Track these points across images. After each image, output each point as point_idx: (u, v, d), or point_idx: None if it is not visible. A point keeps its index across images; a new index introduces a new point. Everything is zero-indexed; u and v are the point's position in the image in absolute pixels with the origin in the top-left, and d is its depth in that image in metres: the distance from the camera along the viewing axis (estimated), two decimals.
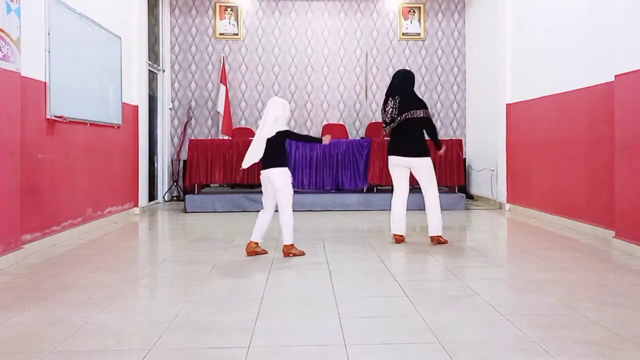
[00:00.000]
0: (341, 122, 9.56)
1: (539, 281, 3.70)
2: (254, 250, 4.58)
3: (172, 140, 9.47)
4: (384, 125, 5.17)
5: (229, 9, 9.49)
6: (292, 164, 7.73)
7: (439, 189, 4.99)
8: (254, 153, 4.52)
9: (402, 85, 5.08)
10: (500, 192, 8.02)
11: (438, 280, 3.86)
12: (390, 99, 5.02)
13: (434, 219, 5.04)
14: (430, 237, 5.07)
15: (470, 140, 9.52)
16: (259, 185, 8.16)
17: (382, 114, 5.18)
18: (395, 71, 5.36)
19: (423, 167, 5.00)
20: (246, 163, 4.57)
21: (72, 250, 4.90)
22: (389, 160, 5.13)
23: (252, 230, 4.59)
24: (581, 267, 4.14)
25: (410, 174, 5.10)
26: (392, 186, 5.22)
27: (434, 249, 4.84)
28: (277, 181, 4.46)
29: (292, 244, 4.55)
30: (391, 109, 4.99)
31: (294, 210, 4.58)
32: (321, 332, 2.73)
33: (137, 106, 7.59)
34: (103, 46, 6.41)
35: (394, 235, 5.13)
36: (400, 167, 5.07)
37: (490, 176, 8.39)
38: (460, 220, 6.90)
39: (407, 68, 9.35)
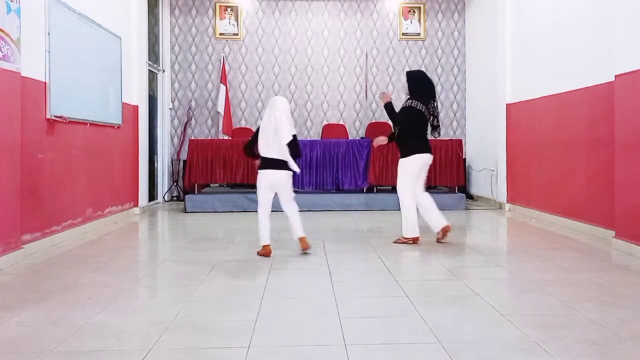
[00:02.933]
0: (341, 122, 9.56)
1: (539, 281, 3.70)
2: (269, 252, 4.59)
3: (172, 140, 9.47)
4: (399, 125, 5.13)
5: (229, 9, 9.49)
6: None
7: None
8: (283, 153, 4.45)
9: (433, 88, 5.19)
10: (500, 192, 8.02)
11: (438, 280, 3.85)
12: (432, 101, 5.05)
13: (438, 212, 5.10)
14: (443, 229, 5.06)
15: (470, 140, 9.51)
16: None
17: (412, 114, 5.01)
18: (418, 70, 5.35)
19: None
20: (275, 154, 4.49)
21: (72, 250, 4.90)
22: (419, 159, 5.02)
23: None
24: (581, 267, 4.14)
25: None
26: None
27: (434, 249, 4.84)
28: (290, 183, 4.57)
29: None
30: (436, 112, 5.08)
31: None
32: (321, 332, 2.73)
33: (137, 106, 7.59)
34: (103, 46, 6.40)
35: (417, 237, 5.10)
36: (427, 166, 5.15)
37: (490, 176, 8.39)
38: (460, 220, 6.89)
39: (412, 68, 9.43)
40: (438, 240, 5.12)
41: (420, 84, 5.14)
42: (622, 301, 3.24)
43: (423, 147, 5.04)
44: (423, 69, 9.66)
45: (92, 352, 2.47)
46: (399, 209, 5.12)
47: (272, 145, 4.45)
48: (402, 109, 5.08)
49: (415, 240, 5.05)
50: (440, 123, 5.19)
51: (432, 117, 5.06)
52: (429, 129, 5.16)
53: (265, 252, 4.54)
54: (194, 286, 3.60)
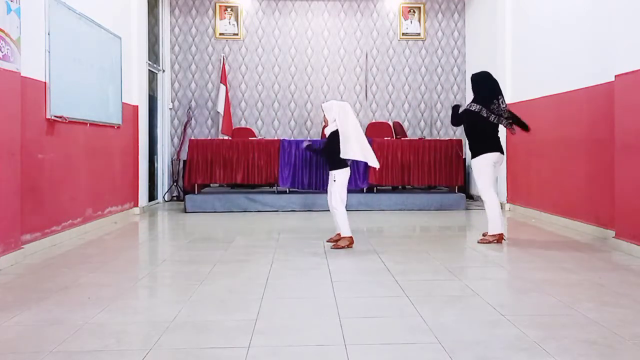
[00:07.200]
0: None
1: (539, 281, 3.71)
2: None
3: (172, 140, 9.47)
4: (496, 121, 5.10)
5: (229, 9, 9.49)
6: (292, 164, 7.73)
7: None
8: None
9: (494, 88, 5.14)
10: (500, 192, 8.00)
11: (438, 280, 3.85)
12: (495, 101, 5.04)
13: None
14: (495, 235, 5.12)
15: None
16: (259, 186, 8.26)
17: (486, 113, 5.06)
18: (480, 72, 5.31)
19: None
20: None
21: (72, 250, 4.90)
22: (489, 158, 5.11)
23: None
24: (581, 267, 4.14)
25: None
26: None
27: (435, 249, 4.85)
28: None
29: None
30: (500, 110, 5.05)
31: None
32: (321, 332, 2.73)
33: (137, 106, 7.59)
34: (103, 46, 6.40)
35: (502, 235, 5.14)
36: (498, 165, 5.23)
37: None
38: (460, 220, 6.90)
39: (413, 68, 9.41)
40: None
41: (479, 86, 5.18)
42: (622, 301, 3.24)
43: (490, 146, 5.08)
44: (423, 69, 9.67)
45: (92, 352, 2.47)
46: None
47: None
48: (462, 112, 5.23)
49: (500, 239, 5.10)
50: (504, 119, 5.09)
51: (495, 117, 5.03)
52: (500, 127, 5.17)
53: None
54: (194, 286, 3.60)
